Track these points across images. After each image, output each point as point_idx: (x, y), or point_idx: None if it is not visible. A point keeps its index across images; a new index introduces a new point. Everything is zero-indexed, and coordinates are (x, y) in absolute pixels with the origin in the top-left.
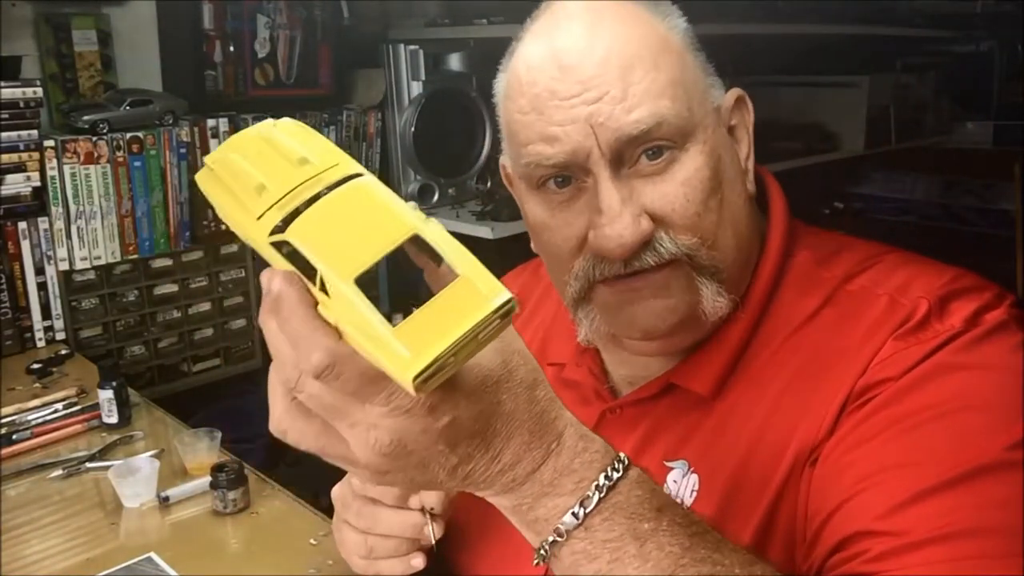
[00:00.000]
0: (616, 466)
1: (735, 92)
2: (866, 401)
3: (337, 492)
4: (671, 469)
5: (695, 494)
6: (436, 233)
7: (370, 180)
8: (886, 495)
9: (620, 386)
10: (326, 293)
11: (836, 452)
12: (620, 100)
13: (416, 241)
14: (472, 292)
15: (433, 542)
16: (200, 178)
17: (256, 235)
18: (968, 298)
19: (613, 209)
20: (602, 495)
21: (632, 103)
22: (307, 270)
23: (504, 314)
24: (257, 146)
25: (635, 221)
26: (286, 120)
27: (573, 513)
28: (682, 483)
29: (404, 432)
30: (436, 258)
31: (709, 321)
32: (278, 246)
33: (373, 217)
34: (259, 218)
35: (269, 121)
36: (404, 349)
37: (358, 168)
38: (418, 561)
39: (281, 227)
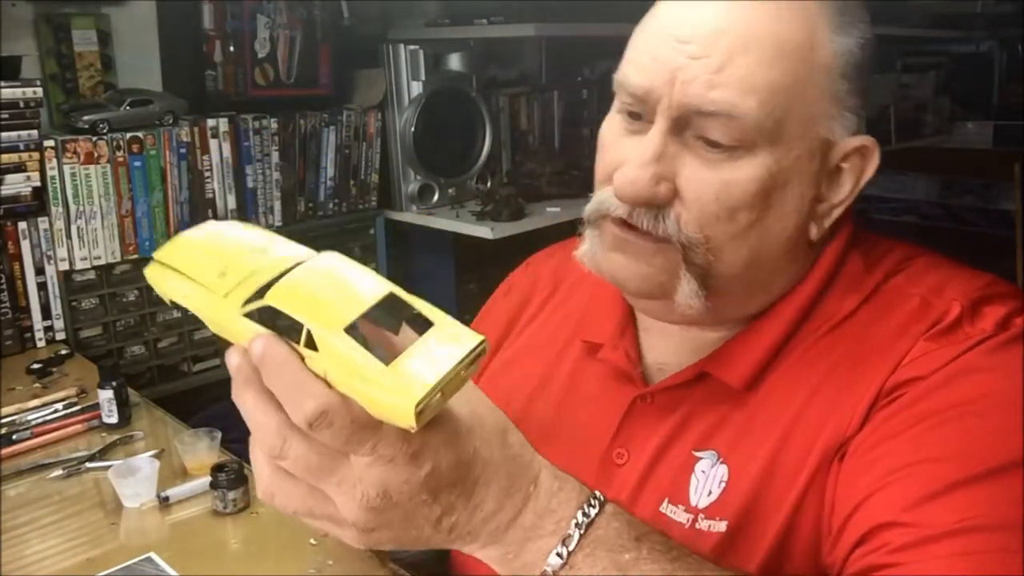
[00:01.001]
0: (592, 502)
1: (863, 139)
2: (895, 398)
3: None
4: (700, 459)
5: (724, 485)
6: (406, 293)
7: (335, 254)
8: (910, 489)
9: (651, 371)
10: (312, 348)
11: (863, 447)
12: (712, 71)
13: (391, 299)
14: (449, 335)
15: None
16: (150, 272)
17: (224, 310)
18: (1000, 303)
19: (643, 157)
20: (582, 532)
21: (720, 80)
22: (288, 332)
23: (478, 355)
24: (209, 240)
25: (653, 180)
26: (231, 222)
27: (557, 553)
28: (711, 473)
29: (388, 482)
30: (407, 315)
31: (678, 309)
32: (254, 315)
33: (346, 281)
34: (226, 296)
35: (212, 221)
36: (403, 381)
37: (317, 254)
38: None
39: (254, 299)
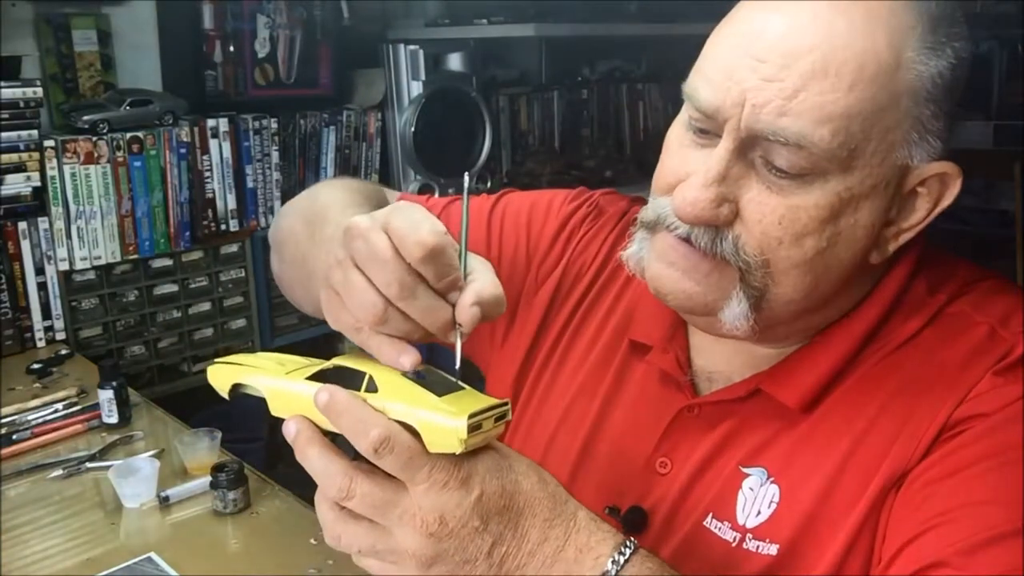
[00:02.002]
0: (628, 543)
1: (944, 165)
2: (958, 433)
3: (362, 219)
4: (747, 476)
5: (774, 506)
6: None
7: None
8: (965, 531)
9: (699, 379)
10: (372, 392)
11: (920, 480)
12: (785, 96)
13: (430, 371)
14: (480, 396)
15: (457, 345)
16: (212, 369)
17: (287, 381)
18: None
19: (708, 176)
20: (619, 568)
21: (792, 108)
22: (349, 385)
23: (503, 415)
24: (261, 354)
25: (717, 200)
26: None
27: None
28: (759, 492)
29: (444, 507)
30: (442, 382)
31: (723, 328)
32: (319, 376)
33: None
34: (287, 374)
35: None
36: (454, 408)
37: None
38: (407, 359)
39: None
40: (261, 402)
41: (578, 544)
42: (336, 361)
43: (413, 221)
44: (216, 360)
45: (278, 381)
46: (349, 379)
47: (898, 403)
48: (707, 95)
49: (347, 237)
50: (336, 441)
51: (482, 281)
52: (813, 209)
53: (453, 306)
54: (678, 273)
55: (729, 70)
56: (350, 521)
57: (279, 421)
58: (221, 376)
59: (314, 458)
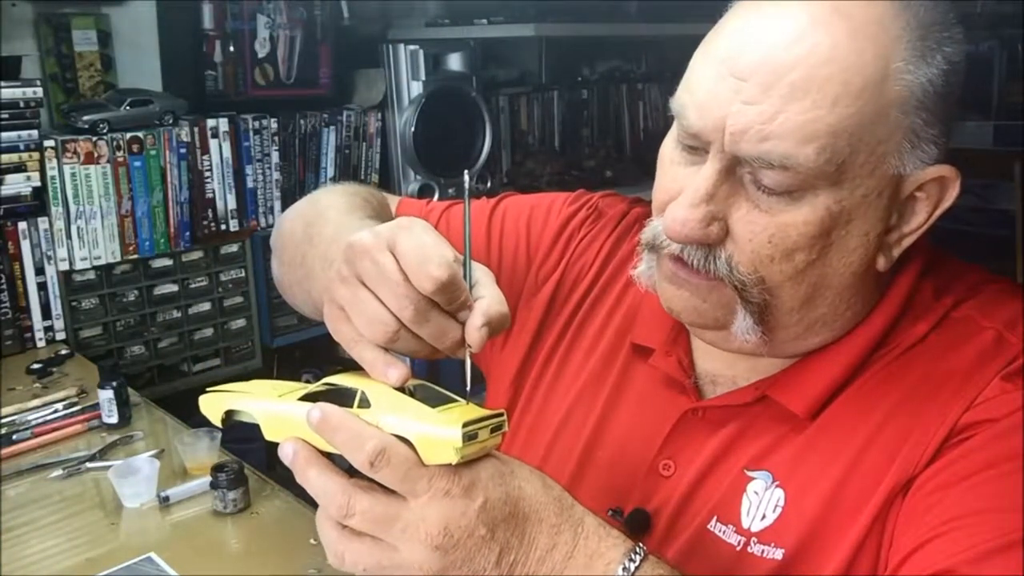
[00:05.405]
0: (637, 550)
1: (941, 169)
2: (966, 438)
3: (365, 236)
4: (752, 479)
5: (780, 510)
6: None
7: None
8: (973, 538)
9: (703, 382)
10: (364, 408)
11: (928, 487)
12: (765, 120)
13: (424, 386)
14: (474, 408)
15: (467, 365)
16: (205, 398)
17: (280, 404)
18: None
19: (696, 196)
20: (630, 574)
21: (774, 131)
22: (342, 403)
23: (499, 426)
24: (253, 381)
25: (705, 220)
26: None
27: None
28: (764, 496)
29: (448, 517)
30: (437, 397)
31: (735, 341)
32: (311, 396)
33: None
34: (280, 396)
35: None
36: (449, 417)
37: None
38: (394, 373)
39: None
40: None
41: (587, 550)
42: (327, 380)
43: (422, 250)
44: (208, 389)
45: (270, 405)
46: (341, 397)
47: (904, 408)
48: (691, 115)
49: (352, 254)
50: (334, 461)
51: (489, 299)
52: (803, 226)
53: (462, 323)
54: (686, 292)
55: (712, 91)
56: (353, 539)
57: None
58: (213, 404)
59: (313, 478)
